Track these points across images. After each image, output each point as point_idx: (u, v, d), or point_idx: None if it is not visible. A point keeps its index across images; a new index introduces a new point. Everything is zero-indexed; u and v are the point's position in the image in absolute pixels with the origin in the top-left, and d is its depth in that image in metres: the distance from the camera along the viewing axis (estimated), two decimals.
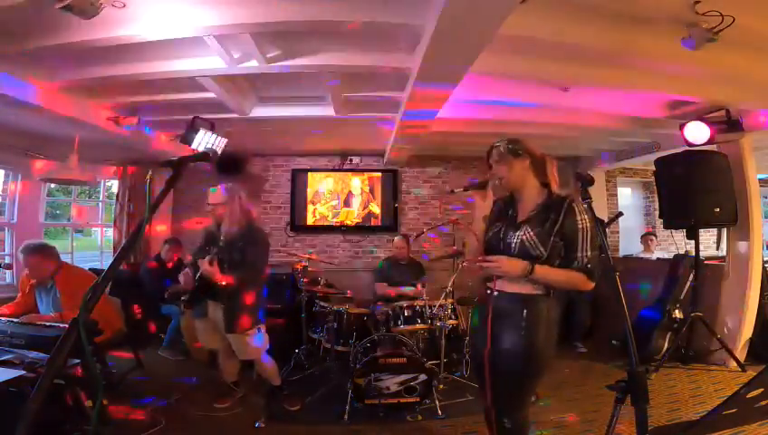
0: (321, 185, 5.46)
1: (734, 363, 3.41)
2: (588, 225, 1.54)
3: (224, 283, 2.45)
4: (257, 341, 2.65)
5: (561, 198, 1.59)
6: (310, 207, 5.43)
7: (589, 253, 1.53)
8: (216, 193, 2.65)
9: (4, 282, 4.29)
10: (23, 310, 2.78)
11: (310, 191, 5.44)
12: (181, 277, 2.57)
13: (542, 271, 1.53)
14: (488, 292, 1.70)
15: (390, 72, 2.79)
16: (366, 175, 5.51)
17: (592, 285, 1.54)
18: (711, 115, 3.40)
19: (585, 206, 1.52)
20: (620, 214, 4.85)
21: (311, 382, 3.27)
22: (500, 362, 1.56)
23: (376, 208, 5.48)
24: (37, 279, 2.78)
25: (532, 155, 1.66)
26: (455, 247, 4.41)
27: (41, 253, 2.73)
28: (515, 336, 1.54)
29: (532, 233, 1.56)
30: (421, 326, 3.23)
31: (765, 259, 3.73)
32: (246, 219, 2.66)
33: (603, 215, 5.47)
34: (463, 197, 1.72)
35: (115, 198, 5.11)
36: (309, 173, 5.46)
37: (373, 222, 5.48)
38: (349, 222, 5.44)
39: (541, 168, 1.66)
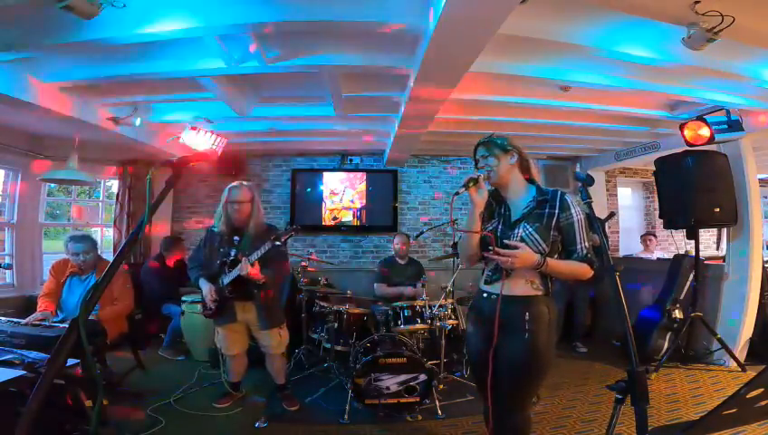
0: (330, 185, 5.43)
1: (734, 363, 3.41)
2: (582, 216, 1.58)
3: (263, 281, 2.49)
4: (286, 335, 2.79)
5: (553, 193, 1.62)
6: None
7: (587, 243, 1.58)
8: (243, 190, 2.62)
9: (5, 282, 4.29)
10: (54, 298, 2.89)
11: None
12: (208, 294, 2.59)
13: (553, 263, 1.54)
14: (484, 295, 1.69)
15: (390, 72, 2.79)
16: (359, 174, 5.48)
17: (592, 272, 1.58)
18: (711, 115, 3.40)
19: (584, 204, 1.54)
20: (612, 214, 4.83)
21: (311, 382, 3.28)
22: (504, 364, 1.56)
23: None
24: (81, 268, 2.92)
25: (519, 151, 1.69)
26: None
27: (90, 242, 2.98)
28: (518, 339, 1.54)
29: (531, 229, 1.57)
30: (421, 326, 3.23)
31: (765, 259, 3.73)
32: (262, 216, 2.72)
33: (603, 215, 5.46)
34: (463, 198, 1.70)
35: (115, 198, 5.10)
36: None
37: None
38: (347, 221, 5.42)
39: (525, 164, 1.70)
